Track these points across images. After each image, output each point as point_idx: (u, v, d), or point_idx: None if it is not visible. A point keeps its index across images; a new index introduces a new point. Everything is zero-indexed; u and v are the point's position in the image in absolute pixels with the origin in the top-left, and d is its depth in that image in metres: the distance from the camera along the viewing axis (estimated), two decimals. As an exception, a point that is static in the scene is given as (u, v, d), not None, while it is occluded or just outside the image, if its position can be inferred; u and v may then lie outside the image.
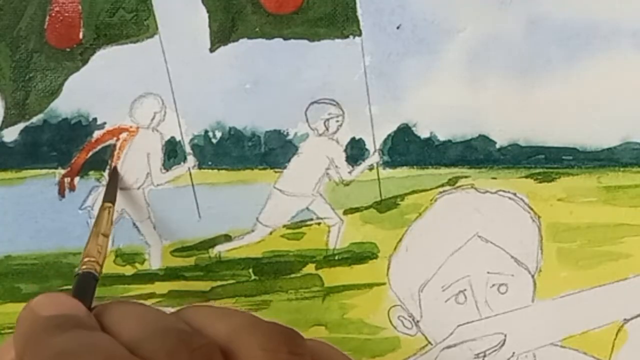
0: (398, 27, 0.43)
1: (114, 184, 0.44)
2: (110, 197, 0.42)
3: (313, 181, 0.44)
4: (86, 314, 0.33)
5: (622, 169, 0.44)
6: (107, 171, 0.44)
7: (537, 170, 0.44)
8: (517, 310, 0.45)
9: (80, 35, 0.43)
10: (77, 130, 0.44)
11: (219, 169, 0.44)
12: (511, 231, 0.44)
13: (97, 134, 0.44)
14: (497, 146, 0.44)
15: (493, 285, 0.45)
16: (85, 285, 0.37)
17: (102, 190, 0.44)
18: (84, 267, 0.38)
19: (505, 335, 0.45)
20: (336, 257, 0.45)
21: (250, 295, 0.45)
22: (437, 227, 0.44)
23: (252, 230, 0.45)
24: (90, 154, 0.44)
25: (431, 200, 0.44)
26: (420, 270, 0.45)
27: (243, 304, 0.45)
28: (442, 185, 0.44)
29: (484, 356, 0.45)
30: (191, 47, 0.43)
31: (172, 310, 0.34)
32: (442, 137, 0.44)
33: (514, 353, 0.45)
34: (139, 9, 0.43)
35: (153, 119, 0.44)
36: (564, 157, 0.44)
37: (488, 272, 0.45)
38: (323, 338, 0.45)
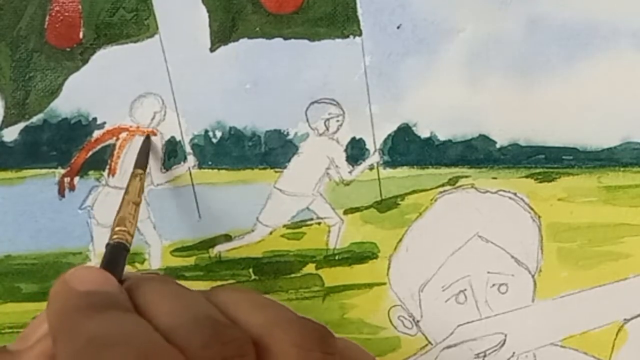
0: (398, 27, 0.43)
1: (146, 151, 0.43)
2: (141, 163, 0.42)
3: (313, 181, 0.44)
4: (119, 291, 0.32)
5: (622, 169, 0.44)
6: (106, 171, 0.44)
7: (537, 170, 0.44)
8: (517, 310, 0.45)
9: (81, 35, 0.43)
10: (77, 130, 0.44)
11: (219, 169, 0.44)
12: (511, 231, 0.44)
13: (97, 133, 0.44)
14: (497, 146, 0.44)
15: (493, 285, 0.45)
16: (116, 257, 0.36)
17: (101, 189, 0.44)
18: (115, 237, 0.37)
19: (505, 335, 0.45)
20: (336, 257, 0.45)
21: (250, 295, 0.45)
22: (437, 227, 0.44)
23: (252, 230, 0.45)
24: (90, 153, 0.44)
25: (431, 200, 0.44)
26: (421, 270, 0.45)
27: (243, 304, 0.45)
28: (442, 185, 0.44)
29: (484, 356, 0.45)
30: (191, 47, 0.43)
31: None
32: (442, 137, 0.44)
33: (514, 353, 0.45)
34: (139, 8, 0.43)
35: (153, 118, 0.44)
36: (564, 157, 0.44)
37: (488, 272, 0.45)
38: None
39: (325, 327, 0.30)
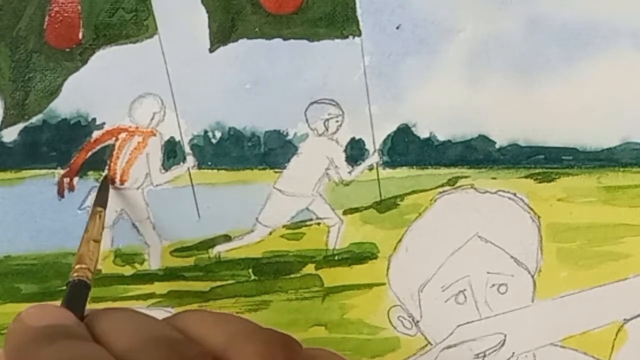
0: (398, 27, 0.43)
1: (106, 189, 0.44)
2: (101, 201, 0.42)
3: (313, 181, 0.44)
4: (76, 324, 0.32)
5: (622, 169, 0.44)
6: (106, 171, 0.44)
7: (537, 170, 0.44)
8: (517, 310, 0.45)
9: (80, 36, 0.43)
10: (76, 130, 0.44)
11: (218, 169, 0.44)
12: (511, 231, 0.44)
13: (96, 134, 0.44)
14: (497, 146, 0.44)
15: (493, 285, 0.45)
16: (77, 294, 0.37)
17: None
18: (75, 274, 0.38)
19: (505, 335, 0.45)
20: (336, 257, 0.45)
21: (250, 295, 0.45)
22: (437, 227, 0.44)
23: (252, 231, 0.45)
24: (90, 154, 0.44)
25: (431, 200, 0.44)
26: (420, 271, 0.45)
27: (243, 304, 0.45)
28: (442, 186, 0.44)
29: (484, 356, 0.45)
30: (191, 47, 0.43)
31: (171, 311, 0.33)
32: (441, 137, 0.44)
33: (513, 353, 0.45)
34: (138, 9, 0.43)
35: (152, 119, 0.44)
36: (564, 157, 0.44)
37: (488, 272, 0.45)
38: (323, 338, 0.45)
39: (290, 336, 0.30)
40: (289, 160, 0.44)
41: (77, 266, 0.38)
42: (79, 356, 0.28)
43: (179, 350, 0.28)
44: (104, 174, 0.44)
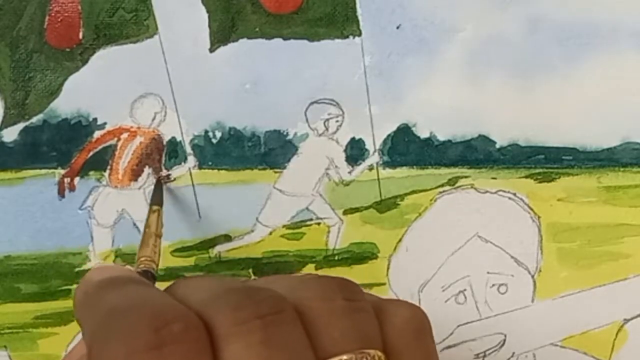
0: (398, 27, 0.43)
1: (160, 188, 0.44)
2: (156, 200, 0.43)
3: (313, 181, 0.44)
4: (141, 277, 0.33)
5: (622, 169, 0.44)
6: (107, 171, 0.44)
7: (537, 170, 0.44)
8: (517, 310, 0.45)
9: (80, 35, 0.43)
10: (76, 130, 0.44)
11: (219, 169, 0.44)
12: (511, 231, 0.44)
13: (97, 134, 0.44)
14: (497, 146, 0.44)
15: (493, 285, 0.45)
16: None
17: (102, 190, 0.44)
18: (141, 265, 0.38)
19: (505, 335, 0.45)
20: (336, 257, 0.45)
21: (250, 295, 0.45)
22: (437, 227, 0.44)
23: (252, 230, 0.45)
24: (91, 154, 0.44)
25: (431, 200, 0.44)
26: (420, 271, 0.45)
27: (243, 304, 0.45)
28: (442, 185, 0.44)
29: (484, 356, 0.45)
30: (191, 47, 0.43)
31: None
32: (442, 137, 0.44)
33: (513, 353, 0.45)
34: (138, 9, 0.43)
35: (154, 119, 0.44)
36: (564, 157, 0.44)
37: (488, 272, 0.45)
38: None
39: (348, 279, 0.30)
40: (289, 160, 0.44)
41: (142, 258, 0.38)
42: (142, 299, 0.28)
43: (254, 293, 0.27)
44: (160, 174, 0.44)
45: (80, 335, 0.32)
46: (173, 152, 0.44)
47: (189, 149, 0.44)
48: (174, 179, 0.44)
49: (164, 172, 0.44)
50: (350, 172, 0.44)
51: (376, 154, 0.44)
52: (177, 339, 0.25)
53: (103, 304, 0.28)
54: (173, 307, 0.27)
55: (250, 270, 0.45)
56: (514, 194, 0.44)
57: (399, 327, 0.29)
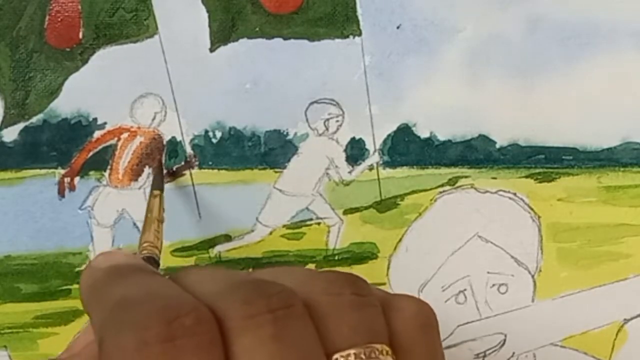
0: (398, 27, 0.43)
1: (160, 173, 0.44)
2: (157, 184, 0.43)
3: (313, 181, 0.44)
4: (146, 264, 0.32)
5: (622, 169, 0.44)
6: (107, 171, 0.44)
7: (537, 170, 0.44)
8: (517, 310, 0.45)
9: (80, 35, 0.43)
10: (77, 130, 0.44)
11: (219, 169, 0.44)
12: (511, 231, 0.44)
13: (97, 134, 0.44)
14: (497, 146, 0.44)
15: (493, 285, 0.45)
16: None
17: (102, 190, 0.44)
18: (144, 252, 0.38)
19: (505, 335, 0.45)
20: (336, 257, 0.45)
21: (250, 295, 0.45)
22: (437, 227, 0.44)
23: (252, 230, 0.45)
24: (91, 154, 0.44)
25: (431, 200, 0.44)
26: (420, 270, 0.45)
27: (243, 304, 0.45)
28: (442, 185, 0.44)
29: (484, 356, 0.45)
30: (191, 47, 0.43)
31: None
32: (442, 137, 0.44)
33: (513, 353, 0.45)
34: (138, 8, 0.43)
35: (154, 119, 0.44)
36: (564, 157, 0.44)
37: (488, 272, 0.45)
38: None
39: (355, 274, 0.30)
40: (289, 160, 0.44)
41: (145, 244, 0.38)
42: (152, 290, 0.28)
43: (264, 287, 0.27)
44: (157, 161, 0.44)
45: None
46: (173, 152, 0.44)
47: (189, 149, 0.44)
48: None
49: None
50: (350, 172, 0.44)
51: (376, 154, 0.44)
52: (189, 331, 0.25)
53: (113, 293, 0.28)
54: (185, 299, 0.27)
55: (251, 270, 0.45)
56: (514, 194, 0.44)
57: (406, 321, 0.30)
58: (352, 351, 0.27)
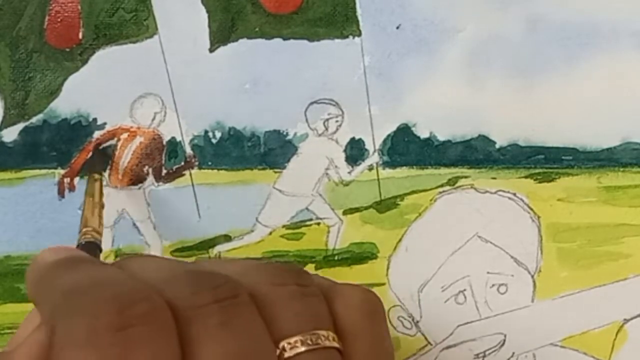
0: (398, 27, 0.43)
1: (100, 155, 0.44)
2: (98, 167, 0.43)
3: (312, 181, 0.44)
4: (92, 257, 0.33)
5: (622, 169, 0.44)
6: (107, 171, 0.44)
7: (537, 170, 0.44)
8: (517, 310, 0.45)
9: (80, 36, 0.43)
10: (76, 130, 0.44)
11: (218, 170, 0.44)
12: (511, 231, 0.44)
13: (97, 134, 0.44)
14: (497, 146, 0.44)
15: (493, 285, 0.45)
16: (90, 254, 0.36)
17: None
18: (86, 236, 0.38)
19: (505, 336, 0.45)
20: (336, 258, 0.45)
21: (250, 295, 0.45)
22: (437, 227, 0.44)
23: (252, 231, 0.45)
24: (91, 154, 0.44)
25: (431, 200, 0.44)
26: (420, 271, 0.45)
27: (243, 304, 0.45)
28: (442, 186, 0.44)
29: (484, 356, 0.45)
30: (191, 47, 0.43)
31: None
32: (441, 137, 0.44)
33: (513, 353, 0.45)
34: (138, 9, 0.43)
35: (154, 119, 0.44)
36: (564, 157, 0.44)
37: (488, 272, 0.45)
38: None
39: (298, 265, 0.31)
40: (288, 161, 0.44)
41: (85, 229, 0.38)
42: (99, 278, 0.28)
43: (211, 278, 0.28)
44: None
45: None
46: (173, 152, 0.44)
47: (188, 149, 0.44)
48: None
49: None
50: (350, 172, 0.44)
51: (376, 154, 0.44)
52: (143, 320, 0.26)
53: (62, 282, 0.28)
54: (137, 287, 0.27)
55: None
56: (514, 194, 0.44)
57: (351, 309, 0.31)
58: (298, 337, 0.28)
